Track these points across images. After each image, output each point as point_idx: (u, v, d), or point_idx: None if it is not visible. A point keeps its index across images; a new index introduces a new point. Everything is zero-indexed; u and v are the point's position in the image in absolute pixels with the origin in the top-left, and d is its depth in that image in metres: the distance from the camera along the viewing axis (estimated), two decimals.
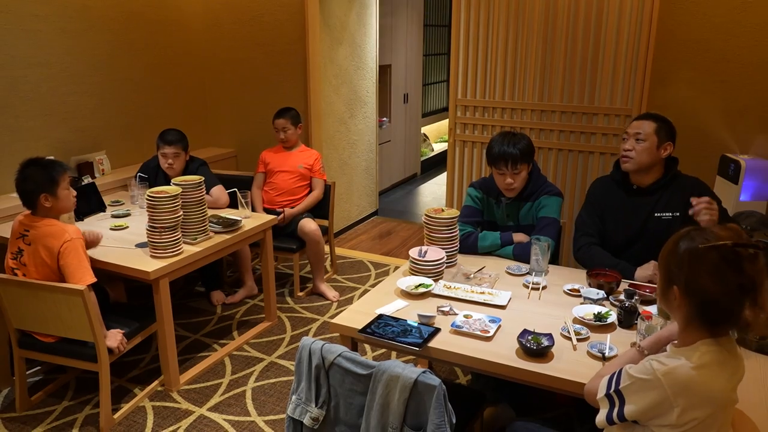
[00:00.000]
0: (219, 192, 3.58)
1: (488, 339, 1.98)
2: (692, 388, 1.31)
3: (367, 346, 3.26)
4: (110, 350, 2.58)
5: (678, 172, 2.52)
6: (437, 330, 2.04)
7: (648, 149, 2.45)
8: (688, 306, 1.36)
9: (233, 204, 3.58)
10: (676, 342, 1.44)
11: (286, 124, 3.98)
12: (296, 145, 4.08)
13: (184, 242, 2.92)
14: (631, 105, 3.58)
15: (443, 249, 2.53)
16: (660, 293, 1.45)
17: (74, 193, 2.70)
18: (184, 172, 3.57)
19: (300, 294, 3.99)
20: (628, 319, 2.05)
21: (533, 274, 2.47)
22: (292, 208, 3.94)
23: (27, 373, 2.87)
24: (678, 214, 2.46)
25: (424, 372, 1.64)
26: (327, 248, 4.38)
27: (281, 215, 3.80)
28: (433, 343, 1.97)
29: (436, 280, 2.41)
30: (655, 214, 2.50)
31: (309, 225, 3.84)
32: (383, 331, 2.03)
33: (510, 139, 2.64)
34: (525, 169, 2.66)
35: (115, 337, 2.61)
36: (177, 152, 3.53)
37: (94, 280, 2.53)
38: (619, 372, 1.45)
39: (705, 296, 1.32)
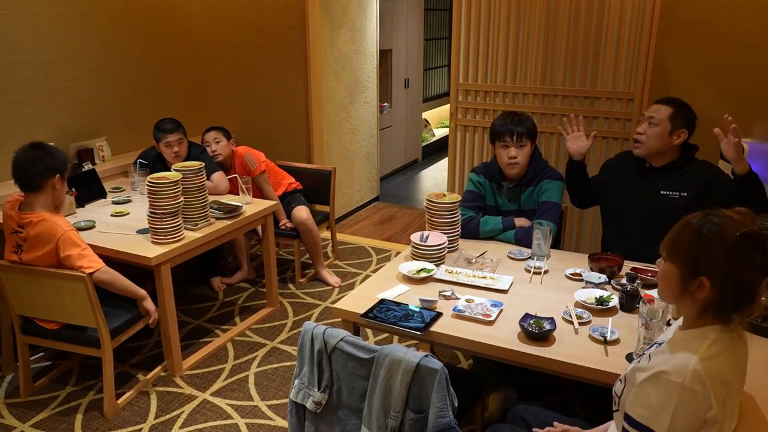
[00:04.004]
0: (219, 178, 3.56)
1: (490, 323, 1.99)
2: (715, 378, 1.28)
3: (369, 331, 3.27)
4: (148, 313, 2.71)
5: (692, 158, 2.51)
6: (439, 314, 2.04)
7: (659, 135, 2.43)
8: (713, 294, 1.31)
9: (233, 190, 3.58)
10: (681, 325, 1.43)
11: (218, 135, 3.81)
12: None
13: (186, 228, 2.92)
14: (633, 89, 3.55)
15: (445, 234, 2.52)
16: (677, 286, 1.36)
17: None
18: (186, 159, 3.56)
19: (301, 280, 3.99)
20: (629, 302, 2.05)
21: (535, 258, 2.47)
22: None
23: (31, 359, 2.88)
24: (685, 194, 2.46)
25: (426, 356, 1.64)
26: (328, 234, 4.38)
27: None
28: (435, 328, 1.97)
29: (437, 265, 2.41)
30: (661, 192, 2.50)
31: (300, 214, 3.81)
32: (385, 315, 2.04)
33: (515, 114, 2.70)
34: (529, 145, 2.66)
35: (152, 304, 2.72)
36: (180, 138, 3.51)
37: (102, 263, 2.52)
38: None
39: (739, 282, 1.29)
